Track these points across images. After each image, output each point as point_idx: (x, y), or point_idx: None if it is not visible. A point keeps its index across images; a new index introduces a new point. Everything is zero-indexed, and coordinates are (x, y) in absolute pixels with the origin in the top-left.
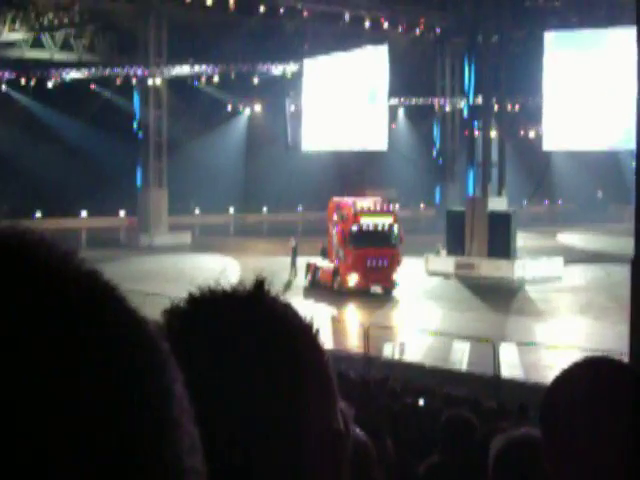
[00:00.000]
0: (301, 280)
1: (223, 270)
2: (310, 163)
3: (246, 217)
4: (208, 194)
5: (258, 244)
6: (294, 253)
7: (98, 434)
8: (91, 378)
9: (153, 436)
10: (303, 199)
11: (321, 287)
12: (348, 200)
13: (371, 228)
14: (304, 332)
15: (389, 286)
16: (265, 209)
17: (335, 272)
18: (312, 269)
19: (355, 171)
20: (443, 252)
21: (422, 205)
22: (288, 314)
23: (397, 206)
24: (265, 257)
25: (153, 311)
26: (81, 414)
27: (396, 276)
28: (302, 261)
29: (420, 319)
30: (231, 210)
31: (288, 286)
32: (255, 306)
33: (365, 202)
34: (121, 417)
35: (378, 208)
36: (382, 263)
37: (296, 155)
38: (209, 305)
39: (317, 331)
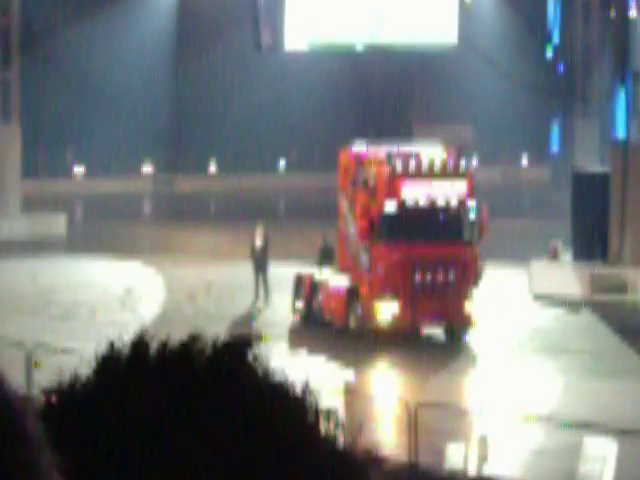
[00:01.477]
0: (282, 308)
1: (128, 293)
2: (302, 77)
3: (176, 182)
4: (102, 138)
5: (200, 237)
6: (261, 255)
7: None
8: None
9: None
10: (288, 148)
11: (323, 324)
12: (377, 150)
13: (423, 206)
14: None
15: (458, 324)
16: (213, 167)
17: (351, 295)
18: (306, 288)
19: (391, 91)
20: (566, 256)
21: (524, 159)
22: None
23: (474, 161)
24: (215, 264)
25: None
26: None
27: (471, 305)
28: (284, 272)
29: (519, 393)
30: (147, 169)
31: (250, 321)
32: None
33: (411, 153)
34: None
35: (437, 165)
36: (445, 278)
37: (275, 60)
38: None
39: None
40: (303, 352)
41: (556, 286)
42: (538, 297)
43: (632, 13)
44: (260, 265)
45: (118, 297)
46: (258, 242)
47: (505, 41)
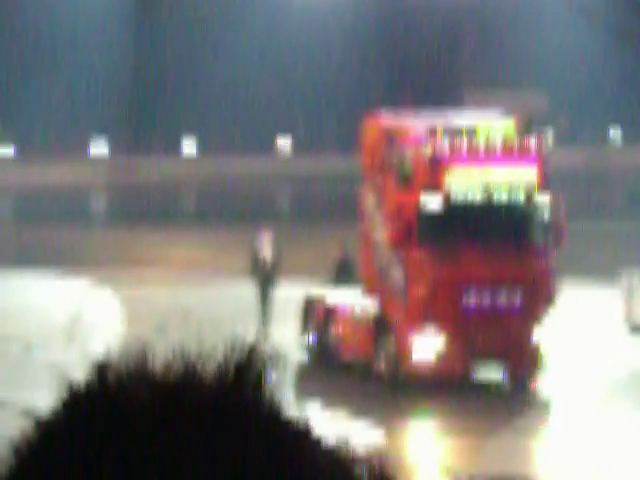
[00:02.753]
0: (284, 343)
1: (74, 324)
2: (313, 23)
3: (139, 168)
4: (38, 108)
5: (173, 244)
6: (271, 271)
7: None
8: None
9: None
10: (293, 121)
11: (341, 366)
12: (415, 123)
13: (478, 202)
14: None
15: (525, 365)
16: (189, 147)
17: (380, 326)
18: (317, 316)
19: (435, 44)
20: None
21: (617, 136)
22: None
23: (548, 140)
24: (194, 282)
25: None
26: None
27: (541, 338)
28: (289, 294)
29: (607, 460)
30: (99, 150)
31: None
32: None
33: (461, 128)
34: None
35: (497, 145)
36: (508, 302)
37: (275, 1)
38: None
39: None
40: (314, 404)
41: None
42: (637, 328)
43: None
44: (268, 284)
45: (61, 329)
46: (266, 253)
47: None
